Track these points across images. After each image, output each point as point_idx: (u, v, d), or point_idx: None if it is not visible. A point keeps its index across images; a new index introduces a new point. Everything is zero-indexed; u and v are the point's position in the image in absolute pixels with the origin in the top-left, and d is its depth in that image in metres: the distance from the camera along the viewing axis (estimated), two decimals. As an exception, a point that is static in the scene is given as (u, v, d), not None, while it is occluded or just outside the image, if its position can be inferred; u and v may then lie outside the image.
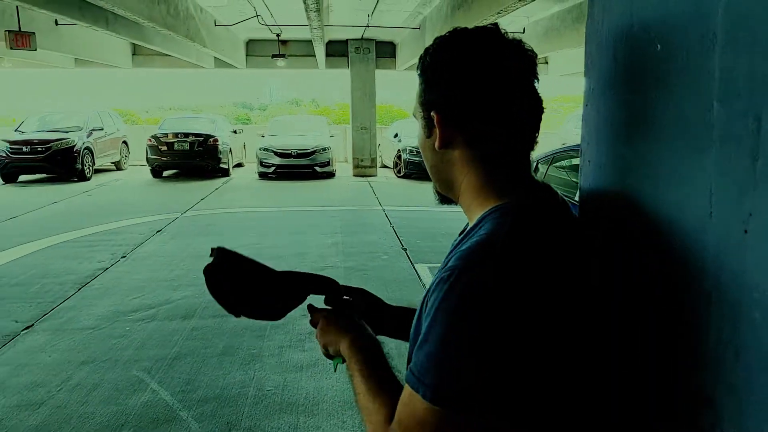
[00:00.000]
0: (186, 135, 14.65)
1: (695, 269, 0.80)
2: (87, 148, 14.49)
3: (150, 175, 15.01)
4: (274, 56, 15.19)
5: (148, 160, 14.83)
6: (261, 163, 14.66)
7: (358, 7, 11.47)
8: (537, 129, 0.96)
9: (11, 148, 13.69)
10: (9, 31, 8.06)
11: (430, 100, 0.95)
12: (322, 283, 1.17)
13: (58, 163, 13.83)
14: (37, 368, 4.05)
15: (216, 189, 13.10)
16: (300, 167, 14.60)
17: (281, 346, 4.38)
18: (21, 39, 8.07)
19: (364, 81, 16.15)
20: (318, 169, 14.69)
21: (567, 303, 0.85)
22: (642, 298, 0.93)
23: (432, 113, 0.94)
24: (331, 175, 15.00)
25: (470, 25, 0.96)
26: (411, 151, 14.48)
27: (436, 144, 0.95)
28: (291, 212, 10.24)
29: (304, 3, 5.95)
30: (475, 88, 0.90)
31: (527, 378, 0.82)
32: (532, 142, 0.96)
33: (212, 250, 1.11)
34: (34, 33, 8.30)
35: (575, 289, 0.88)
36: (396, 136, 15.94)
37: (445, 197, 1.03)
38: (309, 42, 14.39)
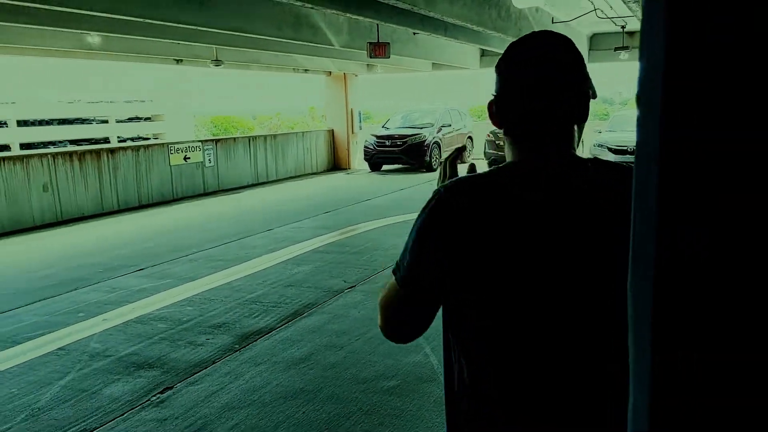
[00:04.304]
0: (519, 131, 15.19)
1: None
2: (435, 142, 16.27)
3: (486, 168, 16.01)
4: (616, 49, 14.60)
5: (485, 154, 15.87)
6: (594, 160, 14.31)
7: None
8: (557, 118, 1.14)
9: (377, 142, 16.25)
10: (370, 43, 9.70)
11: None
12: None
13: (412, 155, 15.89)
14: (347, 320, 4.98)
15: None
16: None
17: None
18: (378, 49, 9.63)
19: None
20: (656, 167, 13.67)
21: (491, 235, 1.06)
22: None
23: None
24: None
25: None
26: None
27: None
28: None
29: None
30: (502, 85, 1.16)
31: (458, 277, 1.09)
32: (554, 127, 1.14)
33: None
34: (389, 43, 9.80)
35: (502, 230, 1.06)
36: None
37: None
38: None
